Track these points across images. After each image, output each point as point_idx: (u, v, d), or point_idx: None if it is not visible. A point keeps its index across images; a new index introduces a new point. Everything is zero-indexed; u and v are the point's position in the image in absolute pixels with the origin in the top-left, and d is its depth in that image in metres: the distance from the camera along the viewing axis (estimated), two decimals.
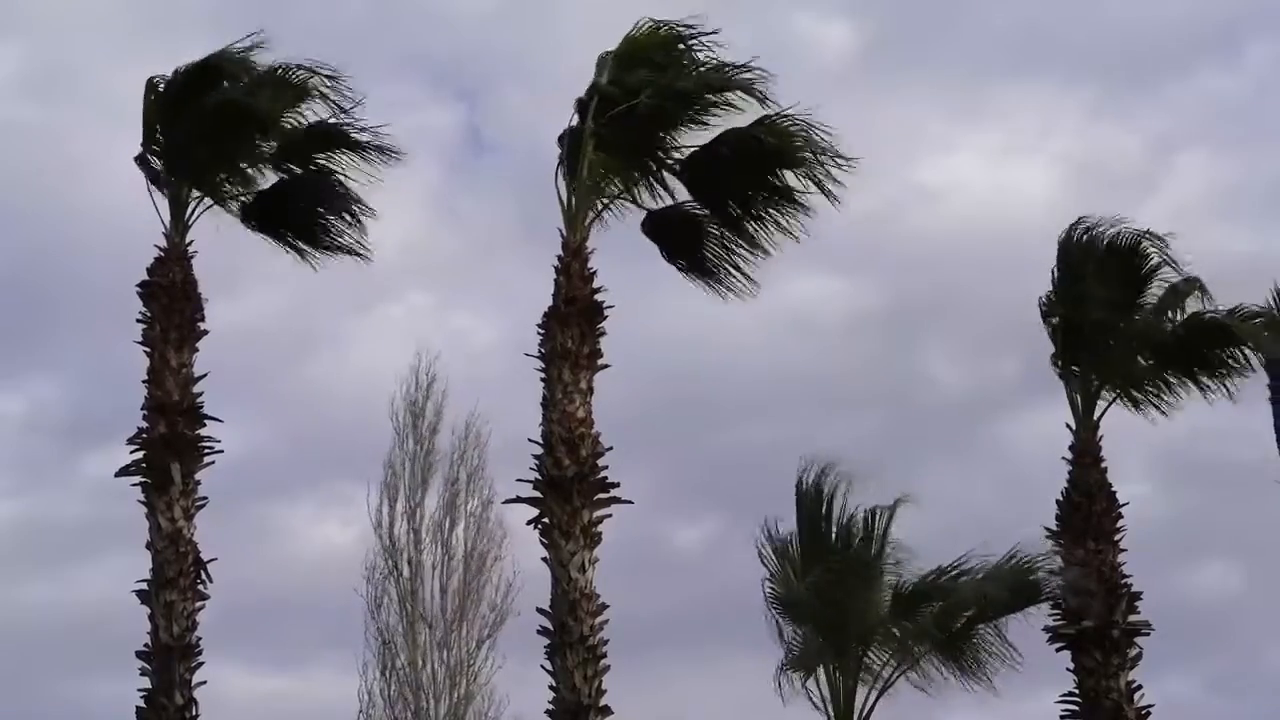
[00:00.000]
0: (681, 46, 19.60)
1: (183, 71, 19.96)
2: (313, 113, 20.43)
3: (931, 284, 41.67)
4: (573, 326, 18.99)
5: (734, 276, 20.39)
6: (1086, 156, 45.01)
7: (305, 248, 21.12)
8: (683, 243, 20.46)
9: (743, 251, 20.24)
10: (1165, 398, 21.34)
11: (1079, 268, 21.06)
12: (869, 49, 44.89)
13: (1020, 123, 47.22)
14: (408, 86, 44.70)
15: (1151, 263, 21.16)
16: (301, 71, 20.13)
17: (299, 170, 20.83)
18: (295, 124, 20.55)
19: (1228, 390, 21.13)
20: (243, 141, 20.32)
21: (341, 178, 20.73)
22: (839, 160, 19.20)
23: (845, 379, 40.07)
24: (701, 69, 19.56)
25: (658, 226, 20.40)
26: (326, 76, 20.09)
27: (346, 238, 21.04)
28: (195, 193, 20.31)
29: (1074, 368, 21.01)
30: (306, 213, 21.02)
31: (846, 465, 20.58)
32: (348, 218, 20.93)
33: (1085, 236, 21.16)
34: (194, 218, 20.25)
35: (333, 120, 20.40)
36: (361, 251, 21.06)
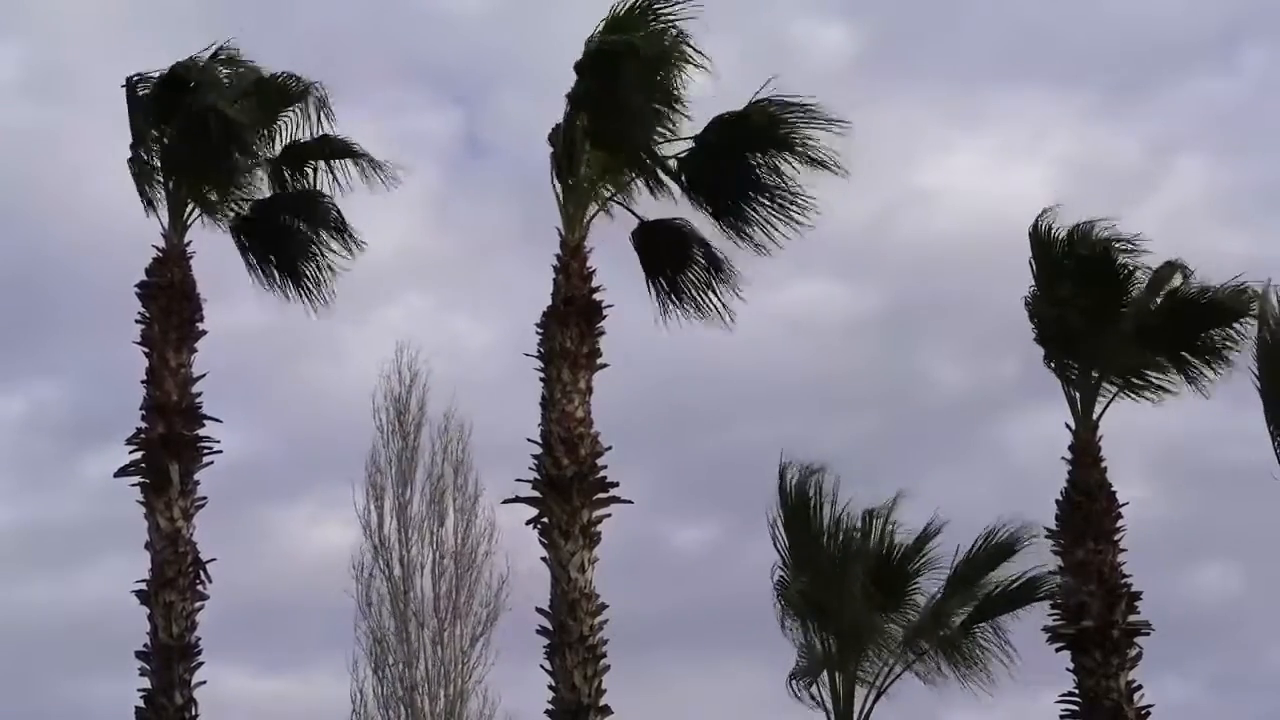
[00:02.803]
0: (662, 29, 19.30)
1: (165, 75, 19.92)
2: (296, 122, 20.47)
3: (930, 286, 41.75)
4: (571, 326, 18.98)
5: (715, 302, 20.31)
6: (1084, 159, 45.06)
7: (280, 281, 21.06)
8: (666, 262, 20.33)
9: (729, 271, 20.12)
10: (1158, 386, 21.26)
11: (1054, 268, 20.96)
12: (867, 52, 44.95)
13: (1018, 125, 47.30)
14: (405, 90, 44.78)
15: (1128, 266, 21.06)
16: (286, 80, 20.12)
17: (291, 187, 20.80)
18: (286, 135, 20.57)
19: (1215, 372, 21.00)
20: (228, 150, 20.20)
21: (330, 201, 20.72)
22: (832, 130, 19.13)
23: (845, 380, 40.15)
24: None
25: (644, 239, 20.28)
26: (310, 86, 20.11)
27: (320, 277, 20.97)
28: (192, 199, 20.30)
29: (1072, 366, 20.97)
30: (288, 246, 20.96)
31: (831, 466, 20.48)
32: (332, 249, 20.89)
33: (1053, 234, 21.01)
34: (192, 218, 20.25)
35: (332, 135, 20.43)
36: (326, 298, 21.04)
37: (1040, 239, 20.80)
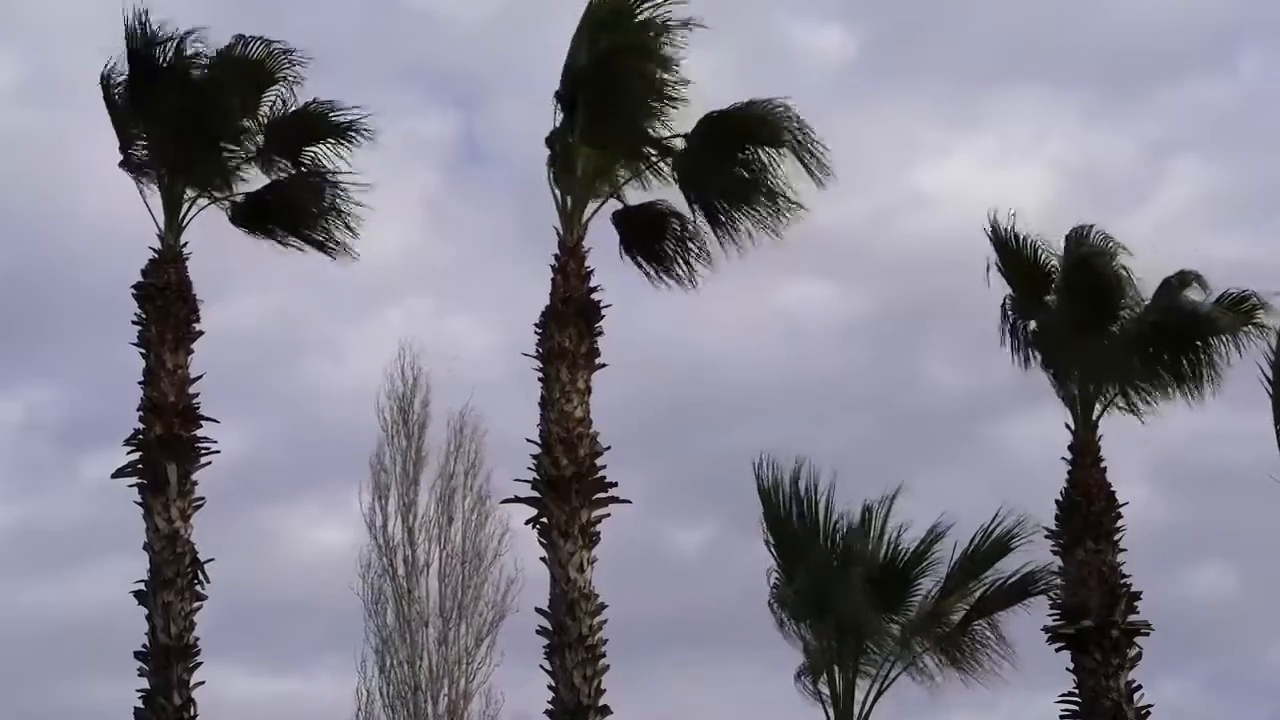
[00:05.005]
0: (645, 23, 19.37)
1: (132, 62, 19.83)
2: (281, 96, 20.39)
3: (928, 287, 41.63)
4: (570, 326, 18.97)
5: (689, 266, 20.34)
6: (1081, 162, 45.05)
7: (294, 243, 21.00)
8: (643, 235, 20.33)
9: (719, 244, 20.13)
10: (1153, 396, 21.22)
11: (1024, 271, 20.98)
12: (864, 54, 44.98)
13: (1015, 127, 47.28)
14: (405, 94, 44.77)
15: (1121, 269, 21.04)
16: (260, 48, 20.00)
17: (285, 163, 20.70)
18: (272, 112, 20.44)
19: (1209, 381, 20.96)
20: (220, 129, 20.17)
21: (330, 173, 20.68)
22: (817, 147, 19.22)
23: (844, 382, 40.14)
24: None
25: (624, 220, 20.28)
26: (285, 53, 20.04)
27: (334, 234, 20.92)
28: (189, 193, 20.21)
29: (1070, 373, 20.97)
30: (295, 208, 20.87)
31: (813, 463, 20.37)
32: (336, 213, 20.84)
33: (1020, 238, 20.98)
34: (188, 219, 20.19)
35: (313, 108, 20.34)
36: (348, 251, 20.98)
37: (1001, 241, 20.87)
